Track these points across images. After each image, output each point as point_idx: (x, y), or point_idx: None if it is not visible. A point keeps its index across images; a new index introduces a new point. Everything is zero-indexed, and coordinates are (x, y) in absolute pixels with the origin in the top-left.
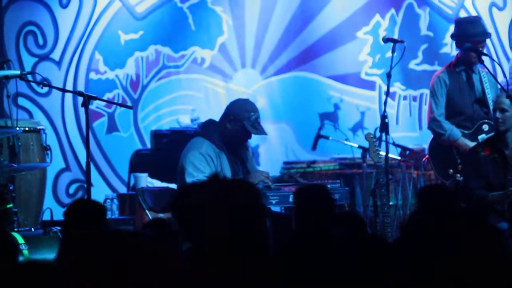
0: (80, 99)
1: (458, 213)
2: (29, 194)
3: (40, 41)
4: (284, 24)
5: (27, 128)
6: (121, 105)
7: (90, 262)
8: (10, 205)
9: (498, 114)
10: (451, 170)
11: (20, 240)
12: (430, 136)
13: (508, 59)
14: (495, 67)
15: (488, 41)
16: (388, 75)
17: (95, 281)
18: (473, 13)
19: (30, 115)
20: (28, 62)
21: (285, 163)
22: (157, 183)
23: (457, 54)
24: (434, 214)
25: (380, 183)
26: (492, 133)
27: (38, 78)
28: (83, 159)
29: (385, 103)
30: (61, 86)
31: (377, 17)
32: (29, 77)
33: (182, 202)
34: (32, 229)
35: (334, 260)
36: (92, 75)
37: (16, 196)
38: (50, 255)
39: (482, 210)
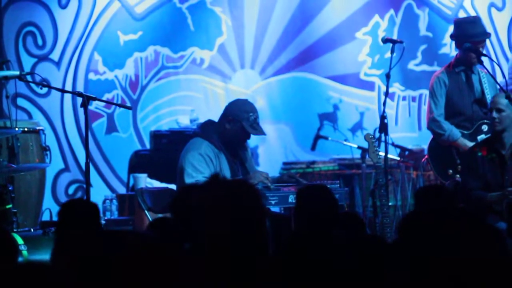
0: (79, 100)
1: (456, 214)
2: (29, 194)
3: (39, 42)
4: (283, 25)
5: (26, 129)
6: (120, 105)
7: (85, 262)
8: (9, 206)
9: (494, 114)
10: (451, 171)
11: (20, 240)
12: (429, 136)
13: (507, 59)
14: (494, 67)
15: (487, 41)
16: (387, 76)
17: (91, 281)
18: (472, 14)
19: (29, 115)
20: (27, 62)
21: (284, 163)
22: (156, 184)
23: (456, 55)
24: (431, 214)
25: (379, 184)
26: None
27: (37, 78)
28: (82, 159)
29: (384, 103)
30: (60, 86)
31: (376, 17)
32: (28, 78)
33: (182, 202)
34: (32, 230)
35: (334, 260)
36: (91, 76)
37: (16, 197)
38: (49, 255)
39: (480, 211)
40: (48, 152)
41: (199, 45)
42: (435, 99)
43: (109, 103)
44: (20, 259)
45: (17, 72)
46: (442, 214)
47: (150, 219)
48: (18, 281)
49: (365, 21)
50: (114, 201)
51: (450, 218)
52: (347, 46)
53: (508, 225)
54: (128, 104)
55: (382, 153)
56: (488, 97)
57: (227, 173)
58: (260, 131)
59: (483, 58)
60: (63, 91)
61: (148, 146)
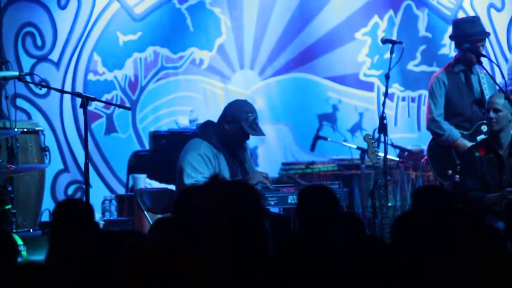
0: (78, 100)
1: (452, 214)
2: (28, 195)
3: (39, 42)
4: (283, 25)
5: (25, 129)
6: (119, 106)
7: (81, 262)
8: (9, 206)
9: (492, 114)
10: (450, 171)
11: (19, 241)
12: (428, 137)
13: (506, 60)
14: (494, 68)
15: (486, 42)
16: (387, 76)
17: (88, 281)
18: (472, 14)
19: (29, 116)
20: (27, 63)
21: (283, 164)
22: (155, 184)
23: (455, 55)
24: (424, 215)
25: (378, 184)
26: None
27: (37, 79)
28: (81, 160)
29: (383, 104)
30: (59, 87)
31: (376, 18)
32: (28, 78)
33: (182, 203)
34: (31, 230)
35: (334, 261)
36: (91, 76)
37: (15, 197)
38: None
39: (479, 211)
40: (47, 153)
41: (198, 46)
42: (434, 99)
43: (108, 103)
44: (19, 259)
45: (16, 73)
46: (437, 214)
47: (150, 219)
48: (18, 281)
49: (364, 21)
50: (114, 201)
51: (446, 219)
52: (347, 47)
53: (506, 225)
54: (128, 105)
55: (381, 154)
56: (487, 98)
57: (226, 173)
58: (259, 132)
59: (483, 59)
60: (62, 91)
61: (147, 146)
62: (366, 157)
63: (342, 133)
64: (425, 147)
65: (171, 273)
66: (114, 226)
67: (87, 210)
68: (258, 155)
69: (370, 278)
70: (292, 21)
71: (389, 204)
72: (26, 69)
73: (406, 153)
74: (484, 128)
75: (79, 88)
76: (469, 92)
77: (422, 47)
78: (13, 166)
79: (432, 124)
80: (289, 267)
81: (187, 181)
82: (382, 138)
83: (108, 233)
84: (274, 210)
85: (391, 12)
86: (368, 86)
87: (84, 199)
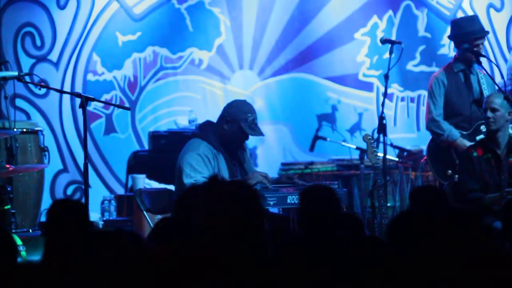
0: (77, 100)
1: (449, 214)
2: (27, 195)
3: (38, 42)
4: (282, 26)
5: (24, 130)
6: (118, 106)
7: (77, 262)
8: (8, 206)
9: (489, 114)
10: (450, 171)
11: (18, 241)
12: (428, 137)
13: (505, 60)
14: (493, 68)
15: (486, 42)
16: (386, 76)
17: (84, 281)
18: (471, 14)
19: (28, 116)
20: (26, 63)
21: (283, 164)
22: (155, 184)
23: (455, 55)
24: (422, 215)
25: (378, 185)
26: None
27: (36, 79)
28: (80, 160)
29: (382, 104)
30: (58, 87)
31: (375, 18)
32: (27, 78)
33: (182, 203)
34: (30, 231)
35: (333, 261)
36: (90, 76)
37: (14, 198)
38: None
39: (478, 212)
40: (46, 153)
41: (197, 46)
42: (434, 99)
43: (107, 103)
44: (18, 260)
45: (16, 73)
46: (433, 214)
47: (149, 219)
48: (17, 281)
49: (363, 21)
50: (113, 201)
51: (441, 219)
52: (346, 47)
53: (503, 226)
54: (127, 105)
55: (380, 154)
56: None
57: (225, 174)
58: (258, 132)
59: (482, 59)
60: (61, 91)
61: (146, 146)
62: (365, 157)
63: (341, 133)
64: (424, 147)
65: (171, 273)
66: (113, 226)
67: (81, 210)
68: (257, 155)
69: (370, 278)
70: (291, 21)
71: (388, 204)
72: (25, 69)
73: (405, 153)
74: (484, 128)
75: (78, 88)
76: (468, 92)
77: (422, 47)
78: (12, 166)
79: (431, 124)
80: (290, 267)
81: (187, 181)
82: (381, 138)
83: (102, 233)
84: (274, 210)
85: (390, 12)
86: (367, 86)
87: (83, 199)
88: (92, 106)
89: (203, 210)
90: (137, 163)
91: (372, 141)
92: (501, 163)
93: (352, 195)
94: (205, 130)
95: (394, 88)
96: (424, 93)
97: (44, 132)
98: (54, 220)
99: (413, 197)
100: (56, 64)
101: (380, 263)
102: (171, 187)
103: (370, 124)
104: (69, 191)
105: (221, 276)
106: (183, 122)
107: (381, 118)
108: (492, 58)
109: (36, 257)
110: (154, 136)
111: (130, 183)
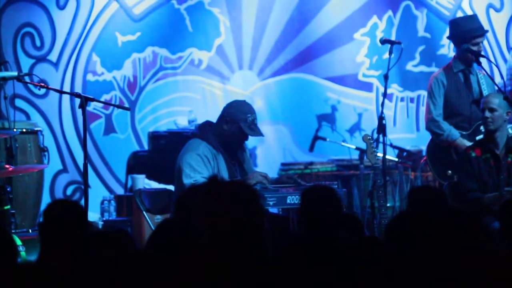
0: (77, 101)
1: (446, 214)
2: (27, 195)
3: (38, 43)
4: (282, 26)
5: (24, 130)
6: (118, 106)
7: (76, 262)
8: (8, 207)
9: (487, 114)
10: (450, 171)
11: (18, 241)
12: (427, 137)
13: (505, 60)
14: (493, 68)
15: (485, 42)
16: (385, 77)
17: (84, 281)
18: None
19: (28, 116)
20: (26, 63)
21: (282, 164)
22: (154, 185)
23: (454, 55)
24: (420, 215)
25: (377, 185)
26: None
27: (36, 79)
28: (80, 160)
29: (382, 104)
30: (58, 87)
31: (375, 18)
32: (27, 79)
33: (182, 203)
34: (30, 231)
35: (333, 261)
36: (90, 77)
37: (14, 198)
38: None
39: (478, 212)
40: (46, 153)
41: (197, 46)
42: (433, 99)
43: (107, 104)
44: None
45: (15, 73)
46: (430, 214)
47: (148, 220)
48: (17, 281)
49: (363, 22)
50: (112, 202)
51: (439, 219)
52: (345, 47)
53: (501, 226)
54: (126, 105)
55: (380, 154)
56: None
57: (225, 174)
58: (258, 132)
59: (482, 59)
60: (61, 92)
61: (146, 147)
62: (365, 157)
63: (341, 134)
64: (424, 147)
65: (171, 273)
66: (113, 226)
67: (78, 210)
68: (257, 155)
69: (369, 279)
70: (291, 22)
71: (388, 205)
72: (25, 69)
73: (405, 154)
74: (483, 128)
75: (78, 89)
76: (468, 92)
77: (421, 48)
78: (12, 167)
79: (431, 124)
80: (289, 267)
81: (186, 181)
82: (381, 139)
83: (99, 233)
84: (273, 210)
85: (390, 12)
86: (367, 87)
87: (83, 199)
88: (92, 106)
89: (202, 211)
90: (136, 163)
91: (372, 141)
92: (500, 163)
93: (351, 195)
94: (204, 130)
95: (394, 88)
96: (423, 93)
97: (43, 132)
98: (50, 221)
99: (412, 197)
100: (56, 64)
101: (379, 263)
102: (171, 187)
103: (369, 124)
104: (69, 191)
105: (221, 276)
106: (182, 122)
107: (381, 118)
108: (491, 59)
109: (35, 257)
110: (154, 136)
111: (129, 183)
